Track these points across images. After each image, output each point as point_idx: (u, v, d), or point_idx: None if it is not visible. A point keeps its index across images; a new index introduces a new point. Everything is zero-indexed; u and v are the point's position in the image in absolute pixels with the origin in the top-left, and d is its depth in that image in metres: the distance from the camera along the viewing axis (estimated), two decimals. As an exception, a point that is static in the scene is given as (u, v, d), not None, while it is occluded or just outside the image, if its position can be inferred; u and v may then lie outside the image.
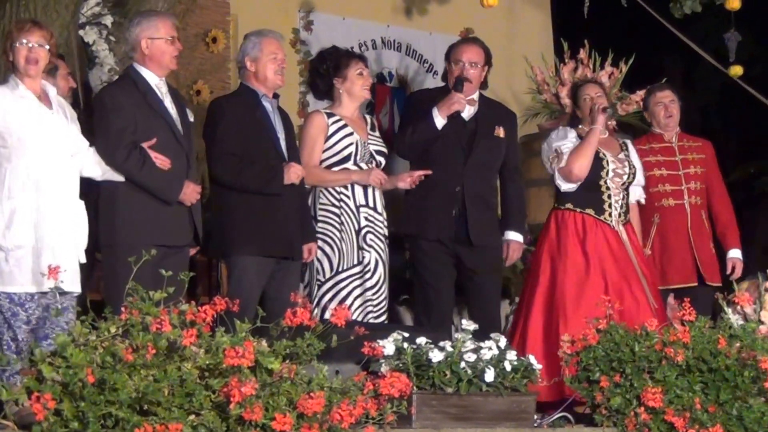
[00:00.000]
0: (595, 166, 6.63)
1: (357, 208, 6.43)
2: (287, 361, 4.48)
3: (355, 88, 6.53)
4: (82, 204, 5.46)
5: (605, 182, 6.65)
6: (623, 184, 6.69)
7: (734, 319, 5.74)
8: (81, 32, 7.09)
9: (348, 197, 6.42)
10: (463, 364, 5.05)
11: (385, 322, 6.51)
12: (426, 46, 9.19)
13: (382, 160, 6.60)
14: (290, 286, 6.06)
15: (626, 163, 6.72)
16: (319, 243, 6.35)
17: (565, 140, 6.68)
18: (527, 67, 8.32)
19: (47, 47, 5.33)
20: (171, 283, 4.47)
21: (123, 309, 4.39)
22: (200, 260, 6.67)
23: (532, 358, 5.27)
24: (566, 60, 8.12)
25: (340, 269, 6.35)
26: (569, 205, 6.65)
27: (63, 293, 5.16)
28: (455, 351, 5.07)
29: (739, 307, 5.93)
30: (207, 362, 4.35)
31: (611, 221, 6.62)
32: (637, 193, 6.89)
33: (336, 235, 6.38)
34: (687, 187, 7.14)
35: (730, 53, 8.90)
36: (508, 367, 5.13)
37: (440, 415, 5.02)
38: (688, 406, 5.30)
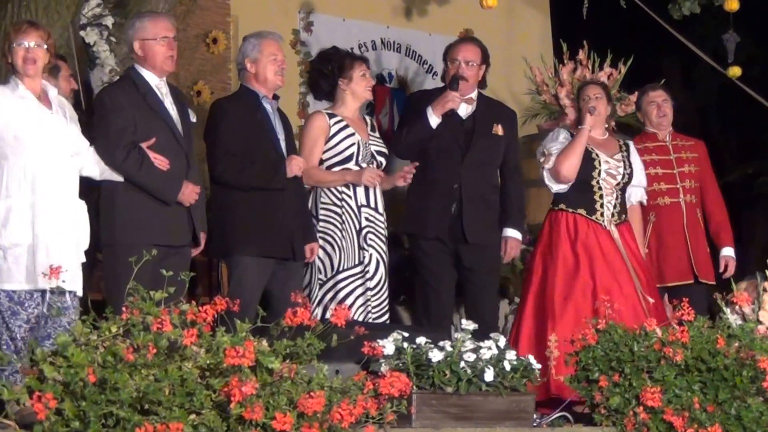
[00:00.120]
0: (586, 166, 6.64)
1: (358, 208, 6.45)
2: (287, 361, 4.49)
3: (359, 89, 6.56)
4: (83, 204, 5.47)
5: (597, 182, 6.66)
6: (617, 184, 6.70)
7: (733, 319, 5.76)
8: (82, 33, 7.12)
9: (350, 197, 6.44)
10: (462, 364, 5.06)
11: (386, 321, 6.53)
12: (425, 47, 9.21)
13: (382, 160, 6.63)
14: (294, 285, 6.08)
15: (622, 164, 6.73)
16: (321, 242, 6.37)
17: (556, 141, 6.72)
18: (526, 68, 8.33)
19: (44, 47, 5.34)
20: (171, 283, 4.49)
21: (124, 309, 4.40)
22: (200, 260, 6.68)
23: (531, 358, 5.29)
24: (565, 61, 8.13)
25: (341, 269, 6.37)
26: (562, 206, 6.68)
27: (62, 292, 5.18)
28: (455, 351, 5.08)
29: (737, 307, 5.94)
30: (208, 362, 4.36)
31: (603, 221, 6.63)
32: (638, 195, 6.90)
33: (337, 235, 6.40)
34: (682, 185, 7.17)
35: (729, 54, 8.92)
36: (508, 367, 5.14)
37: (440, 414, 5.03)
38: (687, 405, 5.31)
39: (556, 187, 6.68)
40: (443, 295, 6.72)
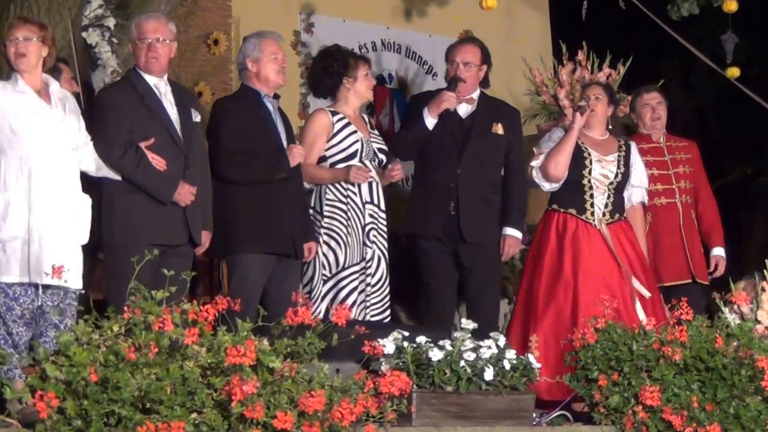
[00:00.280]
0: (577, 166, 6.66)
1: (363, 204, 6.47)
2: (288, 360, 4.51)
3: (362, 89, 6.59)
4: (86, 198, 5.49)
5: (589, 181, 6.68)
6: (611, 184, 6.70)
7: (731, 318, 5.78)
8: (84, 34, 7.13)
9: (355, 194, 6.46)
10: (462, 363, 5.08)
11: (388, 319, 6.55)
12: (425, 48, 9.22)
13: (383, 157, 6.66)
14: (291, 284, 6.10)
15: (616, 164, 6.74)
16: (325, 238, 6.39)
17: (549, 141, 6.75)
18: (526, 69, 8.35)
19: (34, 39, 5.35)
20: (172, 283, 4.51)
21: (126, 308, 4.42)
22: (201, 260, 6.69)
23: (531, 357, 5.30)
24: (564, 61, 8.14)
25: (346, 265, 6.38)
26: (555, 206, 6.72)
27: (58, 288, 5.20)
28: (455, 350, 5.10)
29: (736, 307, 5.96)
30: (209, 361, 4.38)
31: (593, 220, 6.64)
32: (639, 195, 6.90)
33: (343, 231, 6.41)
34: (677, 186, 7.20)
35: (728, 55, 8.93)
36: (507, 366, 5.16)
37: (440, 413, 5.05)
38: (686, 404, 5.33)
39: (547, 186, 6.71)
40: (443, 294, 6.74)
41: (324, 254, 6.38)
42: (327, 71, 6.55)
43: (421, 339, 5.12)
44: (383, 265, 6.51)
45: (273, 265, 6.13)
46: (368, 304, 6.43)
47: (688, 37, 9.11)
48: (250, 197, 6.11)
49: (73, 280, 5.29)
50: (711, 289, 6.28)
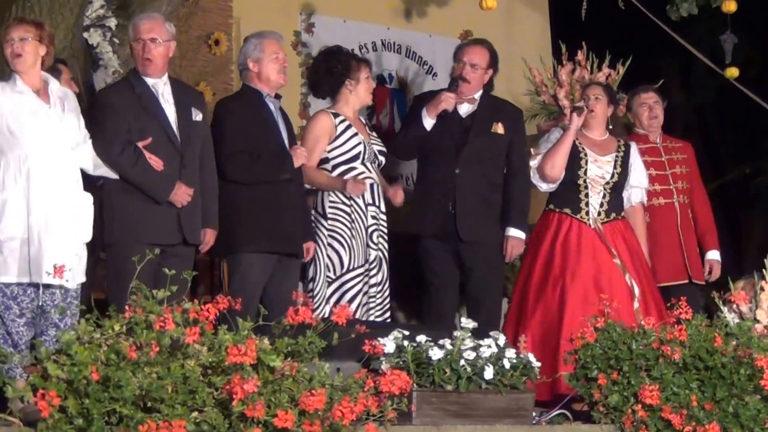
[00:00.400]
0: (572, 166, 6.67)
1: (366, 206, 6.48)
2: (289, 359, 4.52)
3: (363, 91, 6.61)
4: (87, 196, 5.50)
5: (584, 181, 6.69)
6: (607, 184, 6.72)
7: (730, 317, 5.79)
8: (85, 34, 7.14)
9: (358, 196, 6.47)
10: (462, 362, 5.10)
11: (388, 320, 6.56)
12: (426, 48, 9.23)
13: (383, 159, 6.68)
14: (290, 284, 6.12)
15: (612, 164, 6.75)
16: (329, 241, 6.39)
17: (547, 141, 6.76)
18: (525, 69, 8.36)
19: (30, 39, 5.36)
20: (172, 282, 4.52)
21: (127, 307, 4.43)
22: (202, 259, 6.70)
23: (531, 356, 5.32)
24: (564, 62, 8.15)
25: (350, 267, 6.39)
26: (551, 205, 6.74)
27: (59, 287, 5.22)
28: (455, 349, 5.11)
29: (735, 306, 5.98)
30: (210, 360, 4.39)
31: (588, 220, 6.65)
32: (638, 195, 6.90)
33: (347, 233, 6.42)
34: (675, 186, 7.21)
35: (726, 55, 8.93)
36: (507, 365, 5.18)
37: (440, 412, 5.06)
38: (685, 403, 5.34)
39: (544, 186, 6.73)
40: (444, 293, 6.74)
41: (328, 256, 6.38)
42: (330, 72, 6.56)
43: (422, 338, 5.13)
44: (384, 267, 6.53)
45: (274, 264, 6.14)
46: (370, 306, 6.44)
47: (687, 38, 9.13)
48: (252, 197, 6.12)
49: (74, 278, 5.30)
50: (710, 289, 6.29)
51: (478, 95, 6.86)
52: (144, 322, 4.39)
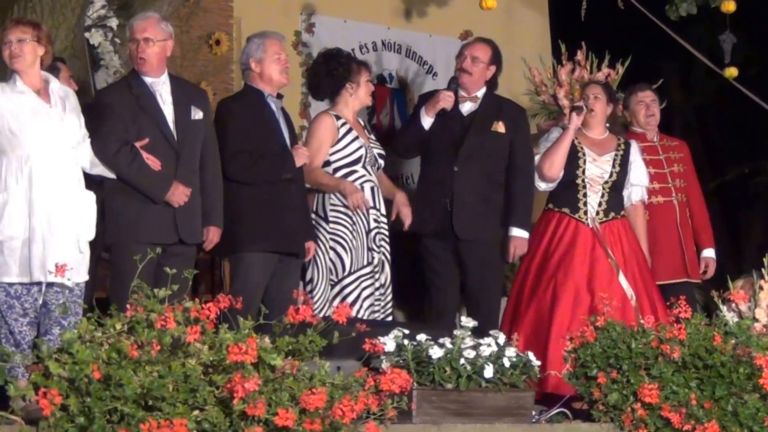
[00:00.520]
0: (571, 165, 6.68)
1: (367, 209, 6.49)
2: (290, 358, 4.54)
3: (363, 94, 6.62)
4: (89, 194, 5.51)
5: (582, 180, 6.71)
6: (605, 183, 6.73)
7: (729, 316, 5.80)
8: (87, 35, 7.16)
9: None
10: (462, 361, 5.11)
11: (390, 318, 6.57)
12: (426, 48, 9.24)
13: (382, 162, 6.69)
14: (291, 283, 6.13)
15: (611, 163, 6.76)
16: (331, 244, 6.40)
17: (546, 141, 6.78)
18: (525, 69, 8.37)
19: (28, 40, 5.38)
20: (173, 281, 4.54)
21: (128, 306, 4.45)
22: (203, 258, 6.72)
23: (530, 355, 5.33)
24: (564, 61, 8.16)
25: (352, 270, 6.39)
26: (550, 205, 6.76)
27: (63, 286, 5.24)
28: (455, 348, 5.13)
29: (734, 305, 5.99)
30: (211, 358, 4.41)
31: (586, 219, 6.67)
32: (638, 194, 6.91)
33: (348, 236, 6.43)
34: (673, 184, 7.23)
35: (726, 55, 8.94)
36: (507, 364, 5.19)
37: (440, 410, 5.08)
38: (684, 402, 5.35)
39: (543, 186, 6.75)
40: (445, 292, 6.75)
41: (331, 260, 6.39)
42: (330, 74, 6.56)
43: (422, 337, 5.15)
44: (387, 269, 6.54)
45: (275, 264, 6.16)
46: (374, 309, 6.45)
47: (686, 38, 9.14)
48: (254, 196, 6.13)
49: (76, 276, 5.31)
50: (708, 288, 6.30)
51: (481, 94, 6.86)
52: (145, 321, 4.40)
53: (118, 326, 4.41)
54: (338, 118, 6.56)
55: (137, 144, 5.74)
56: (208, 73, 8.34)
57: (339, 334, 4.72)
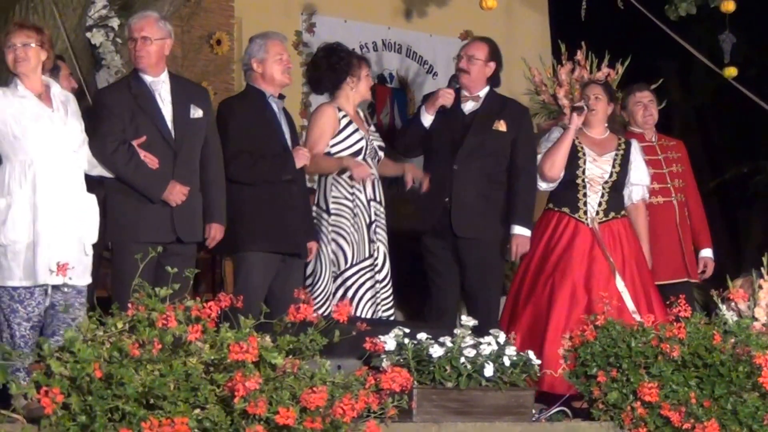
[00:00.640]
0: (571, 165, 6.69)
1: (368, 201, 6.50)
2: (290, 357, 4.55)
3: (363, 88, 6.64)
4: (91, 197, 5.52)
5: (582, 180, 6.72)
6: (605, 183, 6.74)
7: (729, 315, 5.81)
8: (88, 34, 7.16)
9: (360, 191, 6.49)
10: (462, 360, 5.12)
11: (392, 315, 6.57)
12: (426, 48, 9.26)
13: (382, 155, 6.71)
14: (294, 283, 6.12)
15: (612, 163, 6.77)
16: (333, 236, 6.41)
17: (547, 141, 6.79)
18: (525, 69, 8.38)
19: (32, 44, 5.39)
20: (174, 280, 4.54)
21: (129, 305, 4.46)
22: (204, 257, 6.73)
23: (531, 354, 5.35)
24: (564, 61, 8.17)
25: (354, 262, 6.40)
26: (550, 204, 6.77)
27: (69, 287, 5.24)
28: (455, 346, 5.14)
29: (733, 304, 6.00)
30: (212, 357, 4.41)
31: (585, 219, 6.67)
32: (639, 193, 6.91)
33: (349, 228, 6.44)
34: (672, 184, 7.24)
35: (725, 55, 8.95)
36: (507, 363, 5.20)
37: (440, 409, 5.09)
38: (684, 400, 5.37)
39: (544, 186, 6.75)
40: (446, 291, 6.75)
41: (333, 252, 6.40)
42: (332, 68, 6.56)
43: (422, 336, 5.16)
44: (387, 261, 6.55)
45: (277, 264, 6.17)
46: (378, 300, 6.46)
47: (686, 37, 9.14)
48: (256, 197, 6.14)
49: (79, 278, 5.32)
50: (708, 287, 6.32)
51: (483, 93, 6.86)
52: (146, 319, 4.41)
53: (120, 325, 4.42)
54: (339, 110, 6.57)
55: (134, 142, 5.74)
56: (209, 72, 8.35)
57: (339, 333, 4.73)
